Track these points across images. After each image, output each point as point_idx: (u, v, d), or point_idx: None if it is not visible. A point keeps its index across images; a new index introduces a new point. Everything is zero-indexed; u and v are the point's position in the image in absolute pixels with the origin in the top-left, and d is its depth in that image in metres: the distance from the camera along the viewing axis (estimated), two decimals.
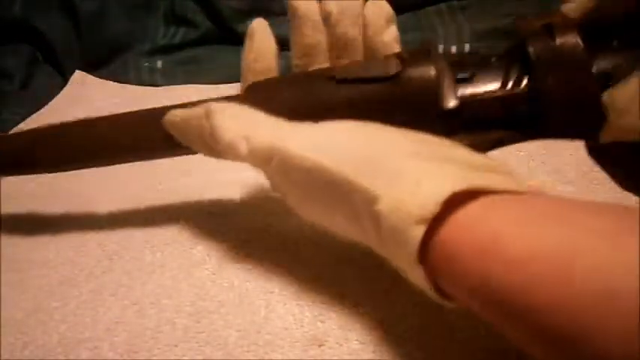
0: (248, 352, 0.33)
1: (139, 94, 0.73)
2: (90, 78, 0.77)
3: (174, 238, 0.42)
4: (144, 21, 0.81)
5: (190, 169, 0.52)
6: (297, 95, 0.35)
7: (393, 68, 0.33)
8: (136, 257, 0.41)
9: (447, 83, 0.32)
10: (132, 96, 0.73)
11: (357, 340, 0.33)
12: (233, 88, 0.70)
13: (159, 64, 0.78)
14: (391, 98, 0.33)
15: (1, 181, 0.55)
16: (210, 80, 0.74)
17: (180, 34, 0.81)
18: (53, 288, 0.39)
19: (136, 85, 0.76)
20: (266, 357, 0.33)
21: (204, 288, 0.37)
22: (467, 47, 0.70)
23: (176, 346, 0.34)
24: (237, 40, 0.78)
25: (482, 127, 0.32)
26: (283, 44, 0.76)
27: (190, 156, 0.40)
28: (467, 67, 0.33)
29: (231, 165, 0.36)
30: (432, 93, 0.32)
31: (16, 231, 0.47)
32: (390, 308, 0.35)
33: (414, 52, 0.34)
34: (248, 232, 0.43)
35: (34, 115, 0.68)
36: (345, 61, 0.38)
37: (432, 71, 0.32)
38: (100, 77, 0.77)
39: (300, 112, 0.34)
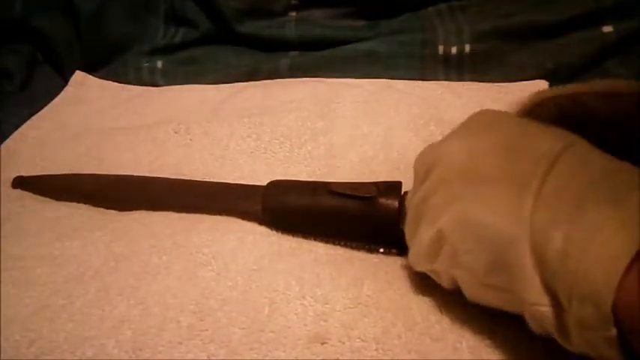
0: (251, 349, 0.34)
1: (138, 94, 0.74)
2: (90, 78, 0.77)
3: (180, 243, 0.42)
4: (144, 21, 0.81)
5: None
6: (301, 198, 0.45)
7: (370, 193, 0.42)
8: (142, 260, 0.41)
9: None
10: (132, 96, 0.73)
11: (359, 338, 0.34)
12: (234, 88, 0.71)
13: (159, 64, 0.78)
14: (364, 214, 0.42)
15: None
16: (210, 80, 0.75)
17: (180, 34, 0.81)
18: (59, 286, 0.39)
19: (136, 85, 0.76)
20: (269, 354, 0.33)
21: (209, 287, 0.38)
22: (467, 48, 0.70)
23: (180, 343, 0.34)
24: (237, 40, 0.79)
25: None
26: (284, 44, 0.77)
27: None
28: None
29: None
30: (393, 217, 0.41)
31: (21, 228, 0.47)
32: (393, 305, 0.36)
33: (389, 184, 0.43)
34: (253, 235, 0.43)
35: (34, 116, 0.69)
36: None
37: (396, 203, 0.42)
38: (100, 77, 0.77)
39: (301, 210, 0.45)
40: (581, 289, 0.26)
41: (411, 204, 0.38)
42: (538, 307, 0.29)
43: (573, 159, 0.31)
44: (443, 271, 0.35)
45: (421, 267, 0.37)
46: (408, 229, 0.38)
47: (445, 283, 0.35)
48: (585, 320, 0.26)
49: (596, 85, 0.36)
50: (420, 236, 0.36)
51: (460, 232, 0.32)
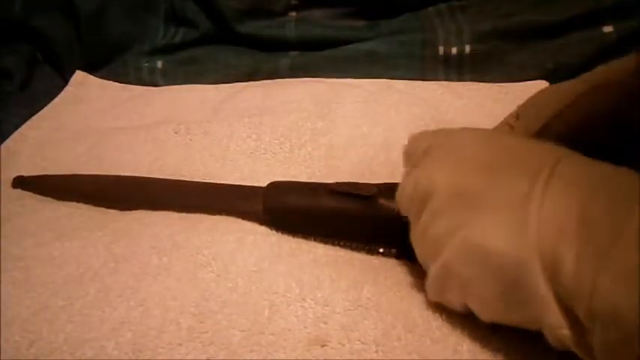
0: (251, 352, 0.34)
1: (139, 94, 0.74)
2: (90, 78, 0.77)
3: (180, 244, 0.42)
4: (144, 21, 0.81)
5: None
6: (302, 198, 0.45)
7: (371, 192, 0.42)
8: (143, 261, 0.41)
9: None
10: (132, 96, 0.73)
11: (359, 340, 0.34)
12: (234, 88, 0.71)
13: (159, 64, 0.78)
14: (364, 213, 0.42)
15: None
16: (210, 80, 0.75)
17: (180, 34, 0.81)
18: (58, 287, 0.39)
19: (136, 85, 0.76)
20: (269, 357, 0.33)
21: (209, 289, 0.38)
22: (467, 48, 0.70)
23: (180, 345, 0.34)
24: (237, 40, 0.79)
25: None
26: (284, 44, 0.77)
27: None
28: None
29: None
30: (393, 217, 0.40)
31: (21, 228, 0.47)
32: (393, 307, 0.36)
33: (390, 185, 0.43)
34: (253, 236, 0.43)
35: (34, 116, 0.69)
36: None
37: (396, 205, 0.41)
38: (100, 77, 0.77)
39: (302, 210, 0.45)
40: (601, 310, 0.25)
41: (413, 239, 0.37)
42: (558, 329, 0.28)
43: (567, 172, 0.30)
44: (454, 302, 0.34)
45: (434, 299, 0.36)
46: (420, 262, 0.37)
47: (458, 309, 0.34)
48: (609, 340, 0.25)
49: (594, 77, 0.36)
50: (428, 271, 0.35)
51: (465, 262, 0.32)
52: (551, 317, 0.28)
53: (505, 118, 0.43)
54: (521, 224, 0.29)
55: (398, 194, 0.39)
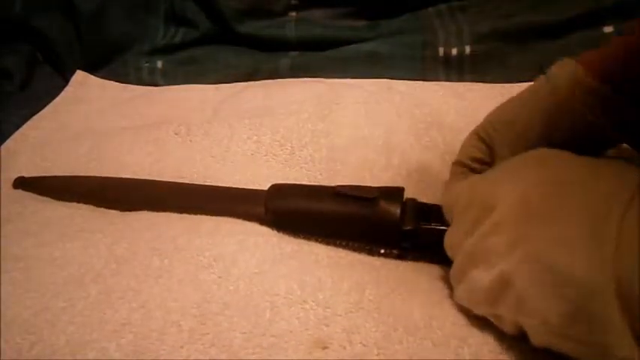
0: (253, 353, 0.34)
1: (139, 94, 0.74)
2: (90, 78, 0.77)
3: (182, 246, 0.42)
4: (144, 21, 0.81)
5: None
6: (304, 199, 0.46)
7: (372, 194, 0.43)
8: (144, 262, 0.41)
9: (407, 213, 0.43)
10: (132, 96, 0.73)
11: (360, 342, 0.34)
12: (234, 88, 0.71)
13: (159, 64, 0.78)
14: (366, 215, 0.43)
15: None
16: (210, 80, 0.75)
17: (180, 34, 0.81)
18: (59, 288, 0.39)
19: (136, 85, 0.76)
20: (270, 359, 0.33)
21: (210, 291, 0.38)
22: (467, 49, 0.70)
23: (182, 347, 0.34)
24: (237, 40, 0.79)
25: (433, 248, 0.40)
26: (284, 44, 0.77)
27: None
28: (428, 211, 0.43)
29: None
30: (395, 219, 0.42)
31: (22, 229, 0.47)
32: (394, 310, 0.36)
33: (391, 188, 0.45)
34: (254, 237, 0.43)
35: (34, 116, 0.69)
36: None
37: (397, 204, 0.43)
38: (101, 77, 0.77)
39: (305, 211, 0.45)
40: None
41: (463, 243, 0.35)
42: None
43: None
44: (507, 317, 0.32)
45: (479, 311, 0.35)
46: (456, 269, 0.36)
47: (508, 328, 0.33)
48: None
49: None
50: (474, 278, 0.34)
51: (530, 276, 0.29)
52: (623, 349, 0.26)
53: (460, 160, 0.41)
54: (597, 246, 0.27)
55: (447, 198, 0.39)
